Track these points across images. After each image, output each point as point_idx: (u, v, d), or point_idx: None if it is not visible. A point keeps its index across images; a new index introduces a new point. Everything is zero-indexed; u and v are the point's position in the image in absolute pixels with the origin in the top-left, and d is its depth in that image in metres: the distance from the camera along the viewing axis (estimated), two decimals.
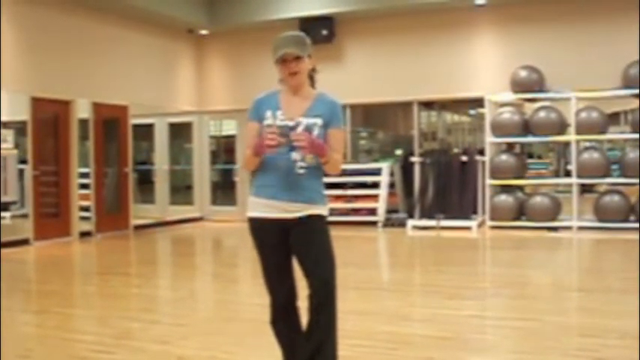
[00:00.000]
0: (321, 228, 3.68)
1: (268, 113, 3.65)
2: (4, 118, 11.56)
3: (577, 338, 5.18)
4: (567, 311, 6.30)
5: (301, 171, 3.58)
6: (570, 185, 12.11)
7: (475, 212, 12.64)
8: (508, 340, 5.18)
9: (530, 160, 14.79)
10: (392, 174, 13.70)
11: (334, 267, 3.65)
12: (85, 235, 12.19)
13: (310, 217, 3.63)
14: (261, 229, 3.70)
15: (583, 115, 11.94)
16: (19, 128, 11.64)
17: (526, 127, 12.33)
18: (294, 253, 3.68)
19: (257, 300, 7.02)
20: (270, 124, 3.59)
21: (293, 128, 3.56)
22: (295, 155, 3.57)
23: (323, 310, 3.60)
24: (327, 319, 3.62)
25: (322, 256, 3.64)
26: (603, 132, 11.96)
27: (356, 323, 5.45)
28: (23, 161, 11.54)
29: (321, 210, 3.68)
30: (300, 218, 3.62)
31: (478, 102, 13.15)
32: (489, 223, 12.32)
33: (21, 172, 11.72)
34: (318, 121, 3.61)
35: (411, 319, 5.94)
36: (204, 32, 14.92)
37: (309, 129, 3.58)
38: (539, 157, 16.98)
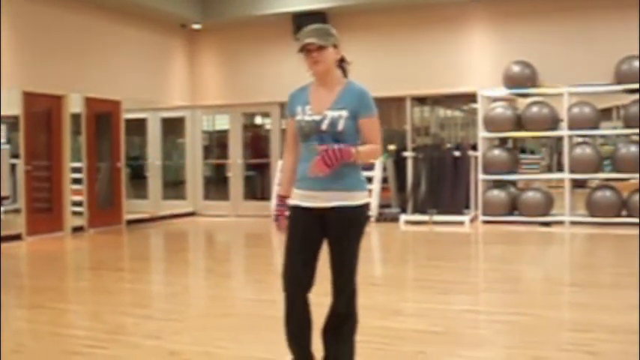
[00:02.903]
0: (353, 224, 3.73)
1: (299, 109, 3.75)
2: None
3: (569, 333, 5.20)
4: (560, 306, 6.32)
5: (326, 148, 3.58)
6: (563, 180, 12.14)
7: (468, 207, 12.66)
8: (500, 335, 5.20)
9: (522, 155, 14.80)
10: (385, 169, 13.71)
11: (355, 269, 3.81)
12: (77, 230, 12.17)
13: (345, 210, 3.67)
14: (298, 215, 3.78)
15: (575, 110, 11.96)
16: (12, 123, 11.60)
17: (519, 122, 12.35)
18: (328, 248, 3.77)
19: (250, 295, 7.07)
20: (300, 120, 3.72)
21: (320, 122, 3.66)
22: (322, 148, 3.62)
23: (343, 310, 3.83)
24: (347, 315, 3.85)
25: (345, 261, 3.76)
26: (595, 127, 11.99)
27: None
28: (15, 156, 11.50)
29: (357, 199, 3.70)
30: (335, 209, 3.67)
31: (471, 97, 13.17)
32: (482, 218, 12.34)
33: (13, 167, 11.68)
34: (343, 113, 3.64)
35: (404, 313, 5.96)
36: (197, 27, 14.88)
37: (333, 122, 3.63)
38: (532, 152, 17.01)
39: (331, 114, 3.65)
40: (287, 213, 3.83)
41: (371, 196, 13.05)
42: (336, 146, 3.56)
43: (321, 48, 3.65)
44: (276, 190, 3.80)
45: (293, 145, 3.86)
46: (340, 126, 3.63)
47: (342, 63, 3.81)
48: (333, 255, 3.73)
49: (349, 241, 3.72)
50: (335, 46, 3.72)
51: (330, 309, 3.83)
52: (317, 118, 3.67)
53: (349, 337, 3.85)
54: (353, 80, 3.81)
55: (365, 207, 3.75)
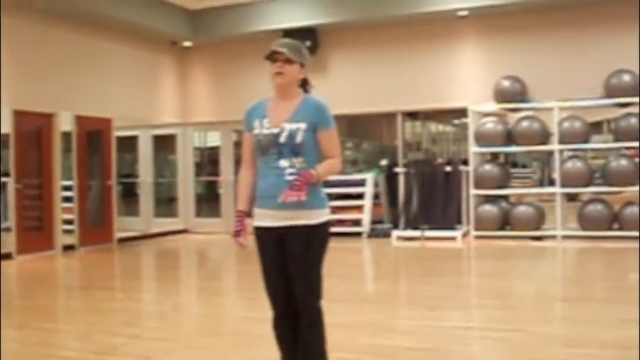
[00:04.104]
0: (313, 243, 3.69)
1: (256, 122, 3.74)
2: None
3: (561, 349, 5.18)
4: (551, 321, 6.30)
5: (291, 177, 3.59)
6: (554, 194, 12.14)
7: (459, 222, 12.66)
8: (492, 351, 5.18)
9: (514, 170, 14.83)
10: (376, 185, 13.71)
11: (316, 289, 3.71)
12: (68, 248, 12.11)
13: (303, 228, 3.64)
14: (262, 237, 3.78)
15: (566, 124, 11.99)
16: (2, 141, 11.56)
17: (509, 137, 12.37)
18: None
19: (241, 313, 7.03)
20: (258, 133, 3.70)
21: (278, 135, 3.63)
22: (283, 162, 3.64)
23: (304, 335, 3.72)
24: (308, 344, 3.72)
25: (306, 280, 3.68)
26: (586, 141, 12.02)
27: (339, 336, 5.41)
28: (6, 174, 11.45)
29: (317, 217, 3.67)
30: (294, 227, 3.64)
31: (462, 112, 13.19)
32: (474, 233, 12.33)
33: (4, 185, 11.63)
34: (302, 125, 3.64)
35: (395, 330, 5.93)
36: (187, 44, 14.90)
37: (292, 135, 3.62)
38: (524, 167, 17.04)
39: (289, 126, 3.64)
40: (245, 229, 3.82)
41: (363, 212, 13.12)
42: (299, 177, 3.54)
43: (288, 61, 3.68)
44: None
45: (250, 161, 3.85)
46: (299, 138, 3.62)
47: (305, 85, 3.81)
48: (293, 275, 3.69)
49: (309, 260, 3.68)
50: (302, 65, 3.74)
51: (298, 331, 3.75)
52: (275, 131, 3.66)
53: (320, 350, 3.77)
54: (312, 94, 3.81)
55: (325, 225, 3.72)
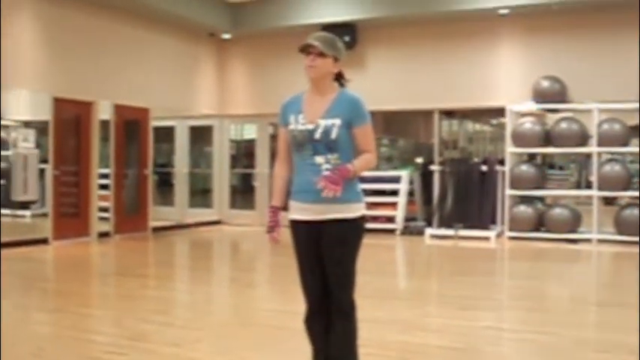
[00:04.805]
0: (349, 237, 3.67)
1: (292, 118, 3.73)
2: (26, 118, 11.67)
3: (592, 354, 5.12)
4: (583, 325, 6.23)
5: (327, 173, 3.57)
6: (591, 197, 12.01)
7: (494, 222, 12.57)
8: (523, 353, 5.14)
9: (550, 171, 14.67)
10: (411, 182, 13.66)
11: (350, 283, 3.71)
12: (103, 235, 12.25)
13: (338, 222, 3.63)
14: (297, 230, 3.77)
15: (605, 126, 11.84)
16: (41, 128, 11.72)
17: (547, 138, 12.24)
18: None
19: (273, 305, 7.06)
20: (293, 129, 3.69)
21: (313, 131, 3.62)
22: (319, 159, 3.63)
23: (337, 327, 3.71)
24: (340, 335, 3.71)
25: (341, 274, 3.68)
26: (625, 144, 11.85)
27: (369, 332, 5.40)
28: (44, 161, 11.62)
29: (352, 211, 3.66)
30: (330, 221, 3.63)
31: (500, 111, 13.09)
32: (508, 233, 12.23)
33: (42, 171, 11.79)
34: (337, 121, 3.62)
35: (425, 329, 5.91)
36: (226, 36, 14.96)
37: (327, 131, 3.61)
38: (561, 168, 16.86)
39: (324, 123, 3.62)
40: (279, 225, 3.80)
41: (397, 209, 13.08)
42: (335, 170, 3.53)
43: (321, 54, 3.66)
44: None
45: (285, 155, 3.83)
46: (334, 134, 3.60)
47: (340, 78, 3.79)
48: (328, 269, 3.69)
49: (344, 254, 3.67)
50: (336, 59, 3.71)
51: (330, 326, 3.75)
52: (310, 127, 3.64)
53: (352, 345, 3.77)
54: (347, 89, 3.79)
55: (361, 220, 3.70)
